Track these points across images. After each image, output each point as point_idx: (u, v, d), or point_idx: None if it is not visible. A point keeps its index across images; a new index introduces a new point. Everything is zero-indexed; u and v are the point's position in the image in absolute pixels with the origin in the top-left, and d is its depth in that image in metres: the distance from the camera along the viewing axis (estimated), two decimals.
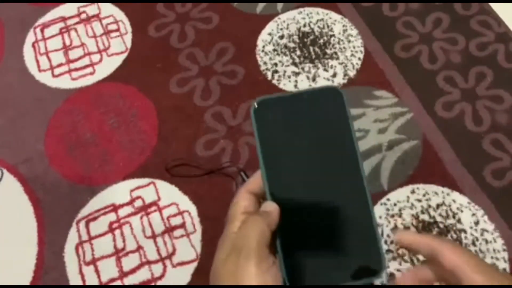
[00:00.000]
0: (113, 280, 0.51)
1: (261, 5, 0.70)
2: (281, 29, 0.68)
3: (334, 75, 0.63)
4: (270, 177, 0.35)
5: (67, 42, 0.69)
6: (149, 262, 0.52)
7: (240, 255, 0.30)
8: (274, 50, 0.66)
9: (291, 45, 0.66)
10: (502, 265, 0.49)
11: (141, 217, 0.54)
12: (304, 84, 0.62)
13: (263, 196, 0.35)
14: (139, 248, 0.53)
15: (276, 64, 0.64)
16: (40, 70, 0.67)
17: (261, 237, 0.31)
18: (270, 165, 0.35)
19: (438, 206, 0.53)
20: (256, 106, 0.35)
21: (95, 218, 0.55)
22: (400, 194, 0.54)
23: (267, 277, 0.30)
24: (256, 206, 0.35)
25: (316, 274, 0.33)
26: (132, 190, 0.56)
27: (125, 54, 0.67)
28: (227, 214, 0.34)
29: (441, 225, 0.51)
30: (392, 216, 0.52)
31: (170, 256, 0.52)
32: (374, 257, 0.32)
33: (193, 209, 0.54)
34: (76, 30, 0.70)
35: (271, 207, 0.34)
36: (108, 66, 0.67)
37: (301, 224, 0.34)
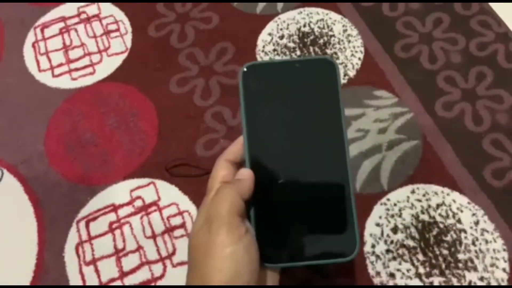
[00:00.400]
0: (113, 280, 0.51)
1: (261, 5, 0.70)
2: (281, 29, 0.68)
3: None
4: (251, 145, 0.33)
5: (67, 42, 0.69)
6: (149, 262, 0.52)
7: (211, 225, 0.30)
8: (274, 50, 0.66)
9: (291, 45, 0.66)
10: (502, 265, 0.49)
11: (141, 217, 0.54)
12: None
13: (242, 165, 0.34)
14: (139, 248, 0.53)
15: None
16: (40, 70, 0.67)
17: (231, 206, 0.30)
18: (253, 132, 0.33)
19: (438, 206, 0.53)
20: (246, 69, 0.35)
21: (95, 218, 0.55)
22: (400, 194, 0.54)
23: (239, 247, 0.29)
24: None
25: (287, 249, 0.32)
26: (132, 190, 0.56)
27: (125, 54, 0.68)
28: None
29: (441, 225, 0.51)
30: (392, 216, 0.52)
31: (170, 256, 0.52)
32: (349, 238, 0.32)
33: (193, 209, 0.54)
34: (76, 30, 0.70)
35: (244, 174, 0.33)
36: (108, 66, 0.67)
37: (277, 196, 0.33)
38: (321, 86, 0.34)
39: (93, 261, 0.52)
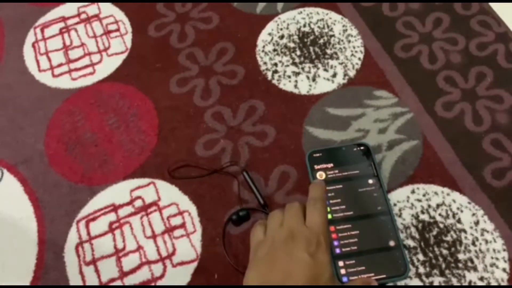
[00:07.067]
0: (113, 280, 0.51)
1: (261, 5, 0.70)
2: (281, 29, 0.68)
3: (334, 75, 0.63)
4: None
5: (67, 42, 0.69)
6: (149, 262, 0.52)
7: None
8: (274, 50, 0.66)
9: (291, 45, 0.66)
10: (502, 265, 0.49)
11: (141, 217, 0.54)
12: (304, 84, 0.62)
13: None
14: (139, 248, 0.53)
15: (276, 64, 0.64)
16: (40, 70, 0.67)
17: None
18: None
19: (438, 206, 0.53)
20: (310, 151, 0.54)
21: (95, 218, 0.55)
22: (400, 194, 0.54)
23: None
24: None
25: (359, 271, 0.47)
26: (132, 190, 0.56)
27: (125, 54, 0.68)
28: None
29: (441, 225, 0.51)
30: None
31: (170, 256, 0.52)
32: (401, 262, 0.47)
33: (193, 209, 0.54)
34: (76, 30, 0.70)
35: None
36: (108, 66, 0.67)
37: (347, 237, 0.49)
38: (361, 160, 0.53)
39: (93, 261, 0.52)
